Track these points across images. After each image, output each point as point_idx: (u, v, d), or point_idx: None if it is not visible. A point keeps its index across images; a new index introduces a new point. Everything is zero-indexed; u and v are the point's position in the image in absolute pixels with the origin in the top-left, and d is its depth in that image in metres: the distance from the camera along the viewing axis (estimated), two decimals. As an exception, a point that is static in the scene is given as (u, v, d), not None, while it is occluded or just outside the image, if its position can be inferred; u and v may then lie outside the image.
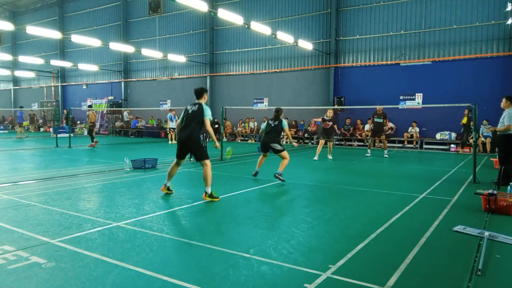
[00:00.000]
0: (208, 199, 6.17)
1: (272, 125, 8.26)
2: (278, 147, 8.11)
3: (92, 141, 16.83)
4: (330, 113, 12.80)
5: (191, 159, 11.08)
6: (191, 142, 6.25)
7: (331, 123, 12.78)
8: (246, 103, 22.73)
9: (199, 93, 6.40)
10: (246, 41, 22.98)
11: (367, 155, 14.12)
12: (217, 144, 6.47)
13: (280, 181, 7.97)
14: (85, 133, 16.94)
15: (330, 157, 12.88)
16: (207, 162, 6.23)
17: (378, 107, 13.76)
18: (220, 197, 6.36)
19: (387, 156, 13.82)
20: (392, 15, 18.43)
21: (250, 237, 4.40)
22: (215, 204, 6.04)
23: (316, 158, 12.53)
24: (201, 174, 6.34)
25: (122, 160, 10.22)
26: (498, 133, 8.13)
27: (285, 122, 8.35)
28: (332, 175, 9.65)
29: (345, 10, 19.65)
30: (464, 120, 16.01)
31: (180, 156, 6.51)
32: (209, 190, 6.18)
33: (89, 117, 17.53)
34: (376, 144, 16.59)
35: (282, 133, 8.40)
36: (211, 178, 6.20)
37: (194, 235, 4.48)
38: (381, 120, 13.58)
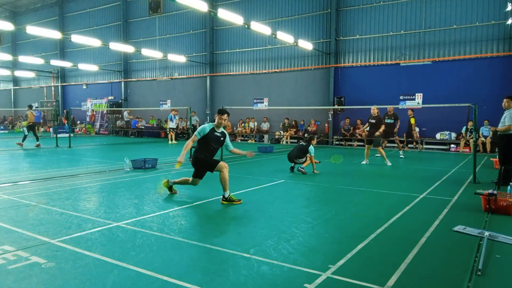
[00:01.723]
0: (226, 203, 6.01)
1: (303, 144, 9.98)
2: (300, 161, 9.76)
3: (37, 140, 16.69)
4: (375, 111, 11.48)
5: None
6: (199, 163, 6.38)
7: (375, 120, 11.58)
8: (246, 103, 22.72)
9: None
10: (246, 41, 22.97)
11: (378, 155, 14.02)
12: (250, 153, 6.69)
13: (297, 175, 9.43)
14: (25, 132, 16.86)
15: (389, 164, 11.40)
16: (222, 166, 6.14)
17: (389, 107, 13.46)
18: (240, 200, 6.18)
19: (402, 156, 13.57)
20: (392, 15, 18.42)
21: (250, 237, 4.39)
22: (215, 204, 6.04)
23: (388, 163, 11.37)
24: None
25: (122, 160, 10.21)
26: (498, 133, 8.14)
27: (312, 148, 9.65)
28: (332, 175, 9.64)
29: (345, 10, 19.64)
30: (412, 121, 16.00)
31: (198, 175, 6.55)
32: (226, 194, 6.04)
33: (28, 117, 17.46)
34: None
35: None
36: (227, 182, 6.06)
37: (194, 235, 4.49)
38: (392, 121, 13.20)
